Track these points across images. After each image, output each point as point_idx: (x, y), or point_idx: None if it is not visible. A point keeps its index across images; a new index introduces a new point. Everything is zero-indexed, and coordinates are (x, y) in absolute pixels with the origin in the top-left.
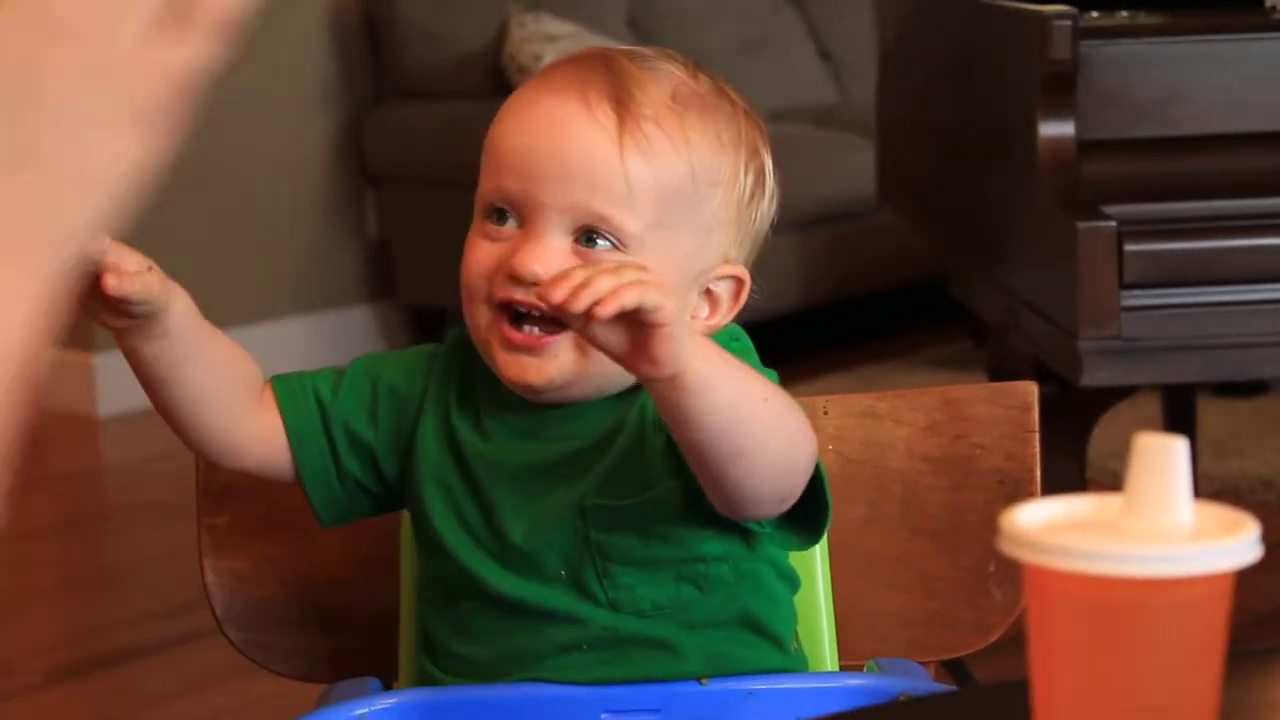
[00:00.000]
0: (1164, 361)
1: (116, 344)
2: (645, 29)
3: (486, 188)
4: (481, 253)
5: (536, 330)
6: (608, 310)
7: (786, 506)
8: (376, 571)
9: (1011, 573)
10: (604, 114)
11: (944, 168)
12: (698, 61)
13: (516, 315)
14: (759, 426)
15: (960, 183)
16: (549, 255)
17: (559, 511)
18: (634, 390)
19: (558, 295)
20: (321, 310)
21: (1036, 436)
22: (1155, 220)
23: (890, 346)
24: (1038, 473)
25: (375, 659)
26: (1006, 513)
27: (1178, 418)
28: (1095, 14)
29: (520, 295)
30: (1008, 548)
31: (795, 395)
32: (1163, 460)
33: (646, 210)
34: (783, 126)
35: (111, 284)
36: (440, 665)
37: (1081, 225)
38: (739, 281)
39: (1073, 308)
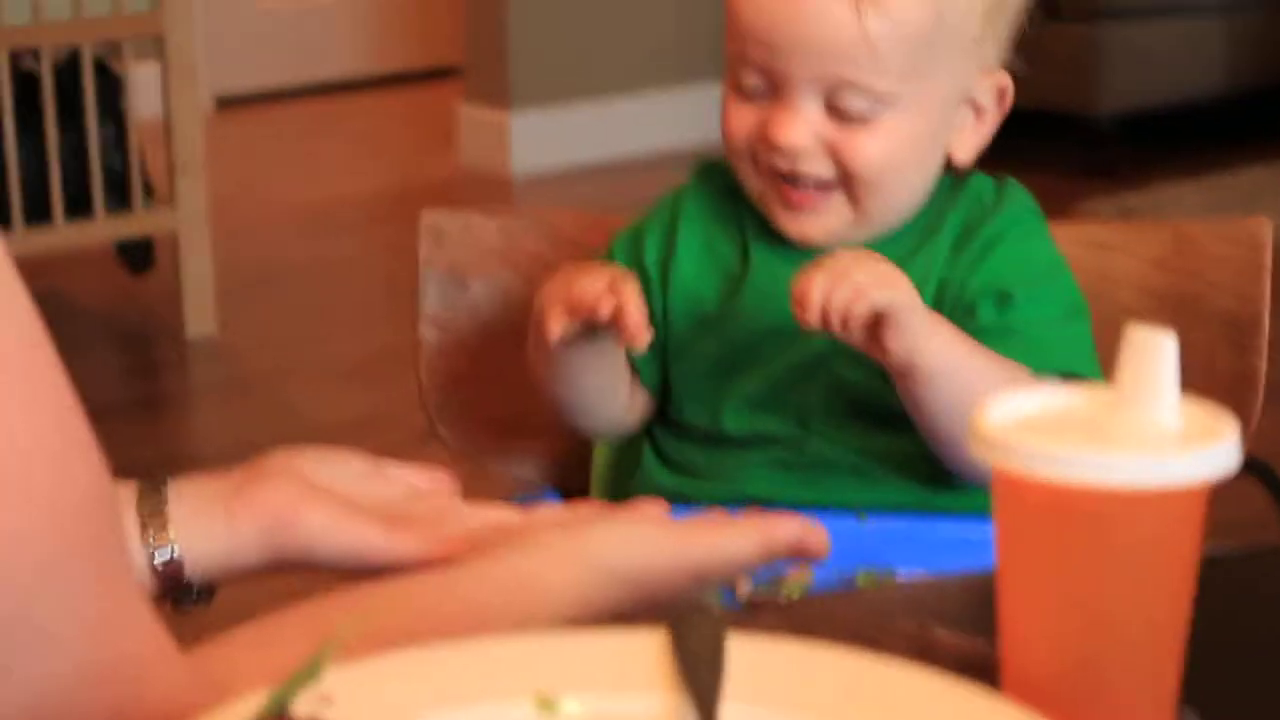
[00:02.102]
0: None
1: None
2: None
3: (732, 50)
4: (739, 116)
5: (810, 189)
6: (855, 330)
7: None
8: None
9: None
10: None
11: None
12: None
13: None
14: None
15: None
16: (803, 125)
17: (811, 341)
18: (927, 246)
19: (810, 320)
20: None
21: (1268, 275)
22: None
23: None
24: (1266, 315)
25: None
26: (980, 408)
27: None
28: None
29: (784, 166)
30: (973, 446)
31: (1208, 185)
32: (1152, 356)
33: (895, 66)
34: None
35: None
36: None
37: None
38: (1001, 88)
39: None
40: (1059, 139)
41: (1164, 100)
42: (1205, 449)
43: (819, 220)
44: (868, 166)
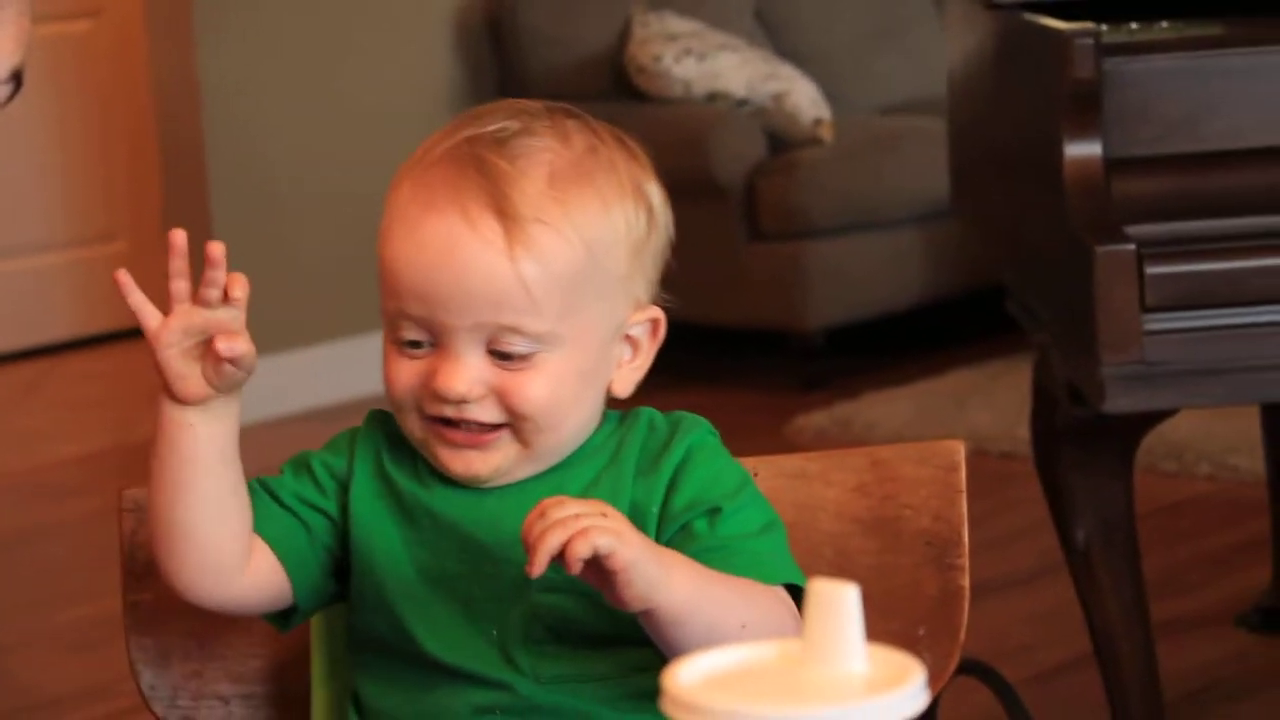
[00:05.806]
0: (1187, 386)
1: (173, 421)
2: (772, 22)
3: (390, 308)
4: (403, 371)
5: (475, 430)
6: (573, 564)
7: None
8: (298, 642)
9: (942, 637)
10: (489, 228)
11: (993, 183)
12: (565, 109)
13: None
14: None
15: (1005, 199)
16: (468, 373)
17: (504, 568)
18: (598, 457)
19: (536, 571)
20: None
21: (963, 497)
22: (1183, 240)
23: (1024, 339)
24: (965, 533)
25: None
26: (671, 668)
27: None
28: (1133, 25)
29: (451, 412)
30: (668, 709)
31: (919, 390)
32: (835, 608)
33: (552, 307)
34: (910, 119)
35: (223, 346)
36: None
37: (1100, 249)
38: (654, 320)
39: (1093, 332)
40: (772, 355)
41: (869, 311)
42: (890, 696)
43: (485, 457)
44: (534, 407)
